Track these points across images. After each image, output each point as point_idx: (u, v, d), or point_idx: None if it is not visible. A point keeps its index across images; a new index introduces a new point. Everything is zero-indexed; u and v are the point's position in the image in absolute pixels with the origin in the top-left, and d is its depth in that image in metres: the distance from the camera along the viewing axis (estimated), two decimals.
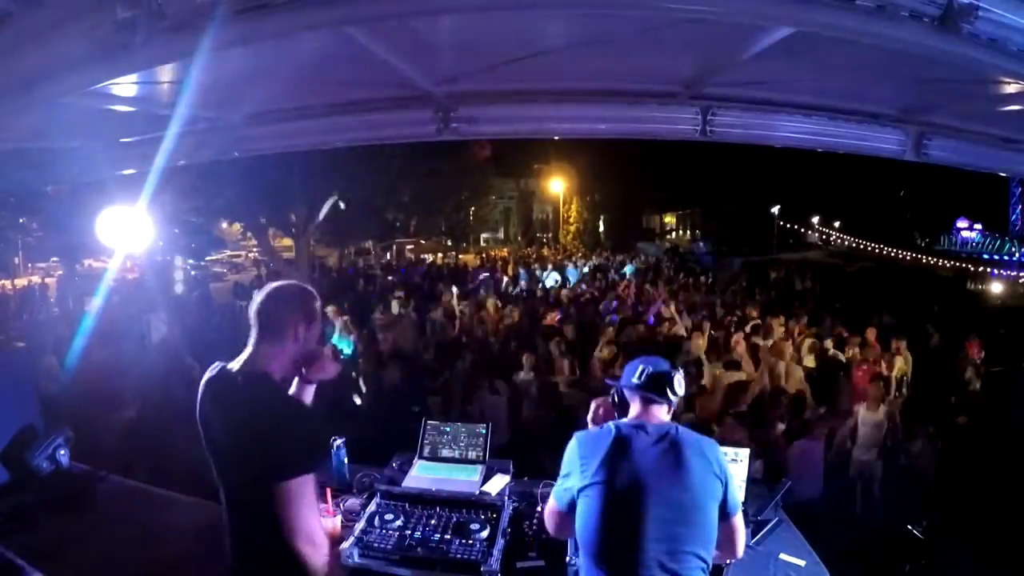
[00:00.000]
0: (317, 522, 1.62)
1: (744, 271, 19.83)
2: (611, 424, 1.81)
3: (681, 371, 1.91)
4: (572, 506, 1.76)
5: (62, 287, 15.09)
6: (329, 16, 1.80)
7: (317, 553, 1.60)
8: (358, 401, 5.83)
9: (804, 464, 4.30)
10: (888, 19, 1.70)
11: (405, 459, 2.83)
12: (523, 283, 13.38)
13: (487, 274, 14.62)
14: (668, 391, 1.83)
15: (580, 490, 1.72)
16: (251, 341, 1.73)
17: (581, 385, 5.73)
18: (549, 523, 1.89)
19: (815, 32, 1.83)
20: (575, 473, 1.74)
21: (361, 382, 6.00)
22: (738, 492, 1.81)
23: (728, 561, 2.24)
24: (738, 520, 1.78)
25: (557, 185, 36.62)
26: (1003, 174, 3.44)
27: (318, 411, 1.85)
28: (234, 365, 1.71)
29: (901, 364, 6.70)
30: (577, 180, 37.32)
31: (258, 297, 1.76)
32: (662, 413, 1.84)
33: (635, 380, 1.86)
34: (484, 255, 27.72)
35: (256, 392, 1.63)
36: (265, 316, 1.73)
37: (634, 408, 1.87)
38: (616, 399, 1.95)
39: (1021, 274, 25.28)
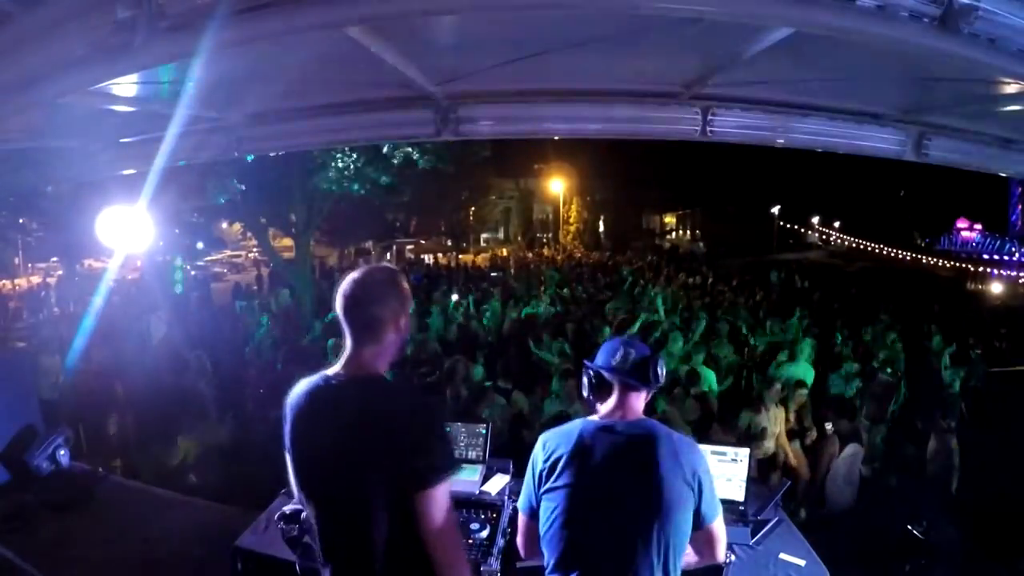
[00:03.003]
0: (458, 527, 1.53)
1: (743, 271, 19.83)
2: (579, 422, 1.72)
3: (662, 357, 1.78)
4: (534, 512, 1.69)
5: (62, 287, 15.10)
6: (329, 16, 1.80)
7: (462, 557, 1.52)
8: None
9: (849, 473, 4.14)
10: (888, 19, 1.70)
11: None
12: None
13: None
14: (649, 376, 1.70)
15: (544, 491, 1.66)
16: (348, 344, 1.56)
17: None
18: (521, 542, 1.78)
19: (815, 32, 1.83)
20: (538, 473, 1.68)
21: None
22: (717, 498, 1.69)
23: (728, 560, 2.24)
24: (716, 527, 1.67)
25: (557, 185, 36.67)
26: (1003, 174, 3.43)
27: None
28: (335, 373, 1.55)
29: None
30: (577, 180, 37.38)
31: (343, 295, 1.55)
32: (639, 402, 1.72)
33: (613, 363, 1.73)
34: (494, 255, 27.76)
35: (384, 396, 1.53)
36: (360, 317, 1.55)
37: (612, 395, 1.73)
38: (594, 381, 1.79)
39: (1021, 274, 25.30)
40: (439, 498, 1.43)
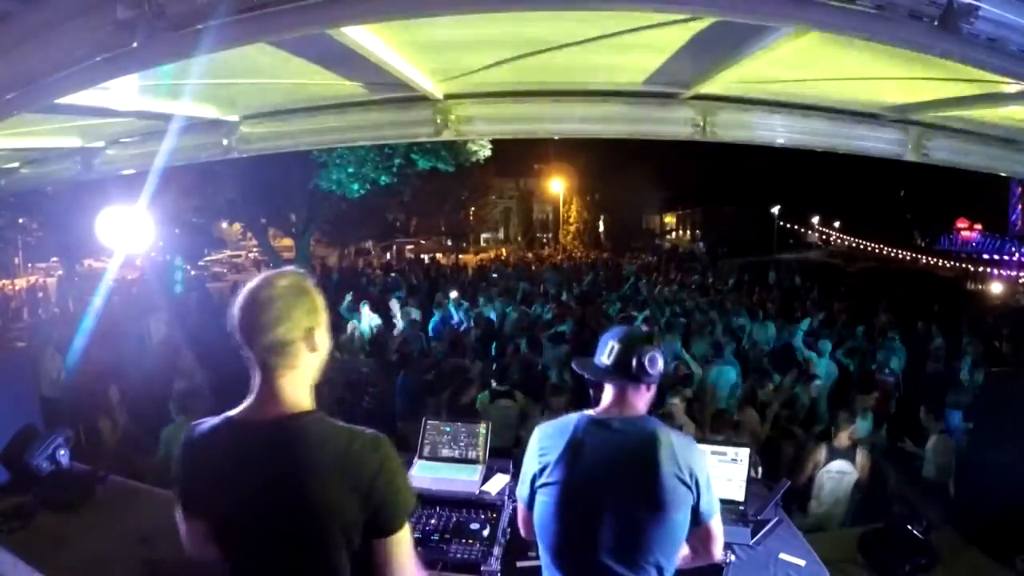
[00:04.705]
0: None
1: (743, 271, 19.83)
2: (575, 416, 1.68)
3: (659, 347, 1.68)
4: (532, 502, 1.68)
5: (62, 287, 15.12)
6: (329, 16, 1.80)
7: None
8: None
9: (834, 490, 3.95)
10: (888, 19, 1.70)
11: (405, 459, 2.83)
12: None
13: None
14: (633, 370, 1.63)
15: (538, 486, 1.65)
16: (257, 376, 1.32)
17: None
18: (522, 529, 1.80)
19: (815, 32, 1.83)
20: (533, 468, 1.67)
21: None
22: (715, 495, 1.66)
23: (728, 560, 2.24)
24: (714, 524, 1.66)
25: (557, 185, 36.71)
26: (1003, 174, 3.43)
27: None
28: (253, 416, 1.32)
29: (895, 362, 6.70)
30: (577, 180, 37.44)
31: (240, 315, 1.29)
32: (638, 397, 1.67)
33: (599, 359, 1.68)
34: (497, 254, 27.78)
35: (329, 438, 1.29)
36: (264, 344, 1.29)
37: (608, 391, 1.69)
38: (592, 378, 1.74)
39: (1021, 274, 25.31)
40: (406, 539, 1.33)
